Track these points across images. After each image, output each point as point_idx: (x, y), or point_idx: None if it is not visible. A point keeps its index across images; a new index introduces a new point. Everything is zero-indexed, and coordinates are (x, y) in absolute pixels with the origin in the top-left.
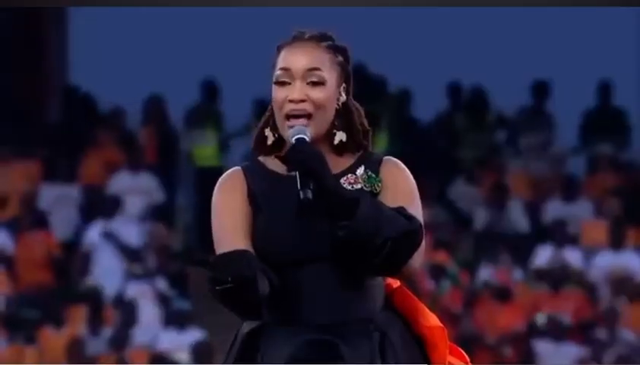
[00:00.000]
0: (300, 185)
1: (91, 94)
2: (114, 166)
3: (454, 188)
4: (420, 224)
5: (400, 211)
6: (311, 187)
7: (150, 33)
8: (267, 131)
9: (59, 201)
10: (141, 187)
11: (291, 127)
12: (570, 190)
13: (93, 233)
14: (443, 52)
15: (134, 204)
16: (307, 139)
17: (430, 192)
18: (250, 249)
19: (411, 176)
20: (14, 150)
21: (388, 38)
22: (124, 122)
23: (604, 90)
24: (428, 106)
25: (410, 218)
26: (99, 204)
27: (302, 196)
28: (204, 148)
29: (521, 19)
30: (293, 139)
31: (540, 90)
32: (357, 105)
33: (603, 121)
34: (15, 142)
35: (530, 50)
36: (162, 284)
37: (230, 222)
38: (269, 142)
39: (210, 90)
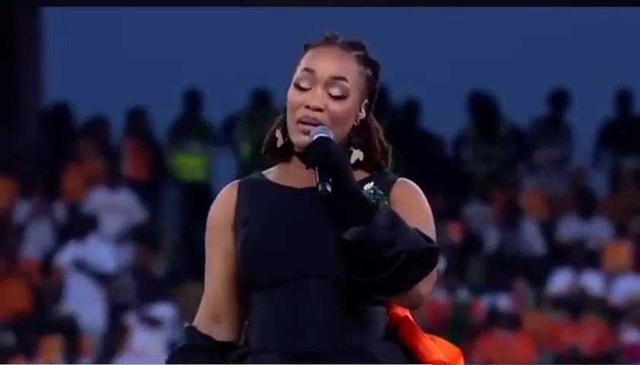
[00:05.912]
0: (319, 178)
1: (69, 105)
2: (96, 182)
3: (463, 207)
4: (438, 248)
5: (419, 230)
6: (330, 181)
7: (130, 41)
8: (278, 133)
9: (35, 220)
10: (121, 205)
11: (304, 133)
12: (590, 208)
13: (68, 255)
14: (451, 58)
15: (113, 224)
16: (331, 138)
17: (438, 210)
18: (230, 291)
19: (425, 200)
20: None
21: (390, 43)
22: (107, 133)
23: (624, 98)
24: (435, 118)
25: (428, 239)
26: (75, 224)
27: (320, 189)
28: (188, 158)
29: (535, 22)
30: (316, 136)
31: (558, 99)
32: (377, 124)
33: (624, 132)
34: None
35: (545, 56)
36: (145, 310)
37: (216, 266)
38: (278, 145)
39: (194, 100)
